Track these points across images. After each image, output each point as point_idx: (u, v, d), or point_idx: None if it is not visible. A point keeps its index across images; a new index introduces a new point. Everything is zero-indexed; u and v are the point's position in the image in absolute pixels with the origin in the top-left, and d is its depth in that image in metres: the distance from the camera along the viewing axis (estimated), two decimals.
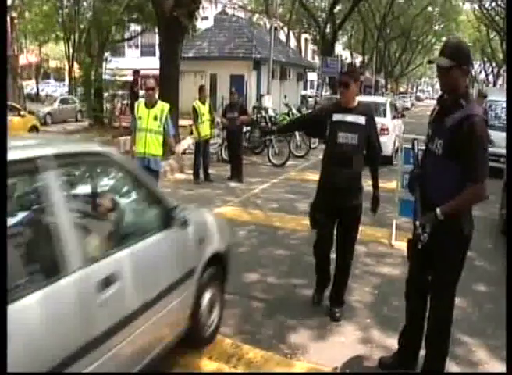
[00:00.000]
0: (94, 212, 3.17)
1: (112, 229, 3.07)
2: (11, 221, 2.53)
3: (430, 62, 3.28)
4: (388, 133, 12.95)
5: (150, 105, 6.70)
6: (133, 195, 3.43)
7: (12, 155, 2.32)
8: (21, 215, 2.67)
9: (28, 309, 2.17)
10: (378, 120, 14.61)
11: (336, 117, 4.24)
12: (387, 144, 12.15)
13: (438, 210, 2.98)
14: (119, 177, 3.36)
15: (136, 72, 11.92)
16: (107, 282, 2.58)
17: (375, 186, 4.42)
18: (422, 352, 3.45)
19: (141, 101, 7.09)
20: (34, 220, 2.62)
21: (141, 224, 3.28)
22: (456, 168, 3.00)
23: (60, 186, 2.56)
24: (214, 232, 4.05)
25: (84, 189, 3.28)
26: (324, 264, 4.59)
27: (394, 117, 14.47)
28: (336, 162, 4.25)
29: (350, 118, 4.21)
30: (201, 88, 10.47)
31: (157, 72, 12.53)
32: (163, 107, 6.74)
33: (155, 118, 6.62)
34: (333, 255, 4.59)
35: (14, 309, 2.05)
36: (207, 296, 3.76)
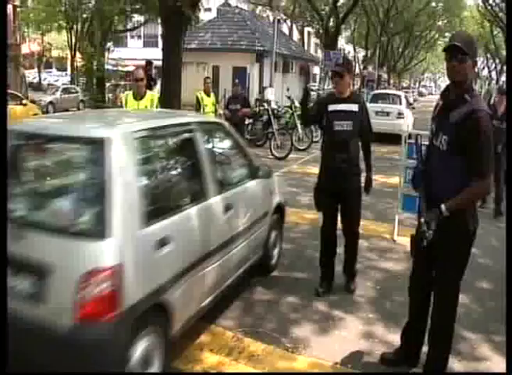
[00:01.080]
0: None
1: (228, 174, 4.44)
2: (178, 164, 3.72)
3: (446, 49, 2.96)
4: (403, 117, 16.24)
5: (139, 96, 6.48)
6: (238, 154, 4.68)
7: (176, 120, 4.01)
8: (183, 160, 3.78)
9: (190, 216, 3.44)
10: (396, 107, 17.03)
11: (331, 107, 4.53)
12: (402, 125, 14.63)
13: (443, 206, 2.95)
14: (231, 141, 4.66)
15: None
16: (227, 208, 3.91)
17: (369, 167, 4.74)
18: (425, 349, 3.44)
19: (129, 93, 6.84)
20: (191, 164, 3.76)
21: (242, 173, 4.57)
22: (461, 163, 2.97)
23: (203, 142, 3.90)
24: (277, 187, 5.28)
25: (213, 145, 4.45)
26: (328, 249, 4.75)
27: (407, 107, 17.73)
28: (334, 147, 4.55)
29: (344, 107, 4.50)
30: (205, 80, 10.47)
31: (159, 62, 12.46)
32: (152, 97, 6.57)
33: None
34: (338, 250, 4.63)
35: (183, 216, 3.35)
36: (273, 234, 5.08)
